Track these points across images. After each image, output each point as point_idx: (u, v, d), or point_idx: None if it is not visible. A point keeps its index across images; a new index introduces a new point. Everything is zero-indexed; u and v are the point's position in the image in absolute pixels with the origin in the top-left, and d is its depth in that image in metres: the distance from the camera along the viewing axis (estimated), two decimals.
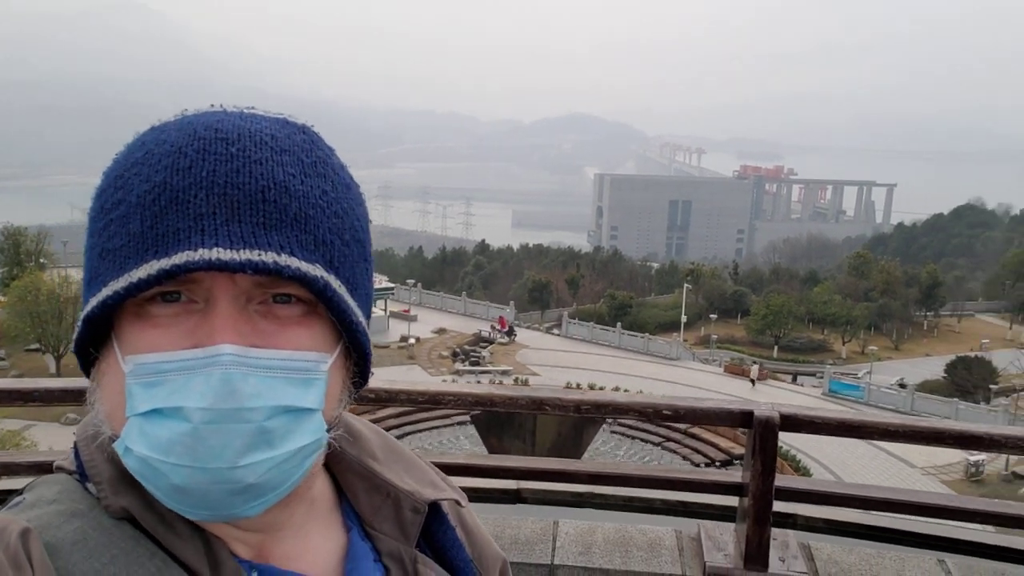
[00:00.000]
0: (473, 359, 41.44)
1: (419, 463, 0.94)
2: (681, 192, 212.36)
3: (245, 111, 0.74)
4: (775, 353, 54.19)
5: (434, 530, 0.90)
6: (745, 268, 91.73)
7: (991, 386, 42.14)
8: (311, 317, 0.72)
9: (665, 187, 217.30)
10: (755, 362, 46.37)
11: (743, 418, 3.23)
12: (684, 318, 56.37)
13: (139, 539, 0.71)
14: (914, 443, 3.28)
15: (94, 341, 0.73)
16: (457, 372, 38.96)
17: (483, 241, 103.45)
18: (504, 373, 39.20)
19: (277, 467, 0.69)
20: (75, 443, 0.78)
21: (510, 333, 46.62)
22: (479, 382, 26.42)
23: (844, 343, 57.76)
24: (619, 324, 51.14)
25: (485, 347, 44.24)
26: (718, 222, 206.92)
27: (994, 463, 30.32)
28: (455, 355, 41.70)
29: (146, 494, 0.70)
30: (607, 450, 29.72)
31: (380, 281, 51.70)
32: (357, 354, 0.78)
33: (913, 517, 4.21)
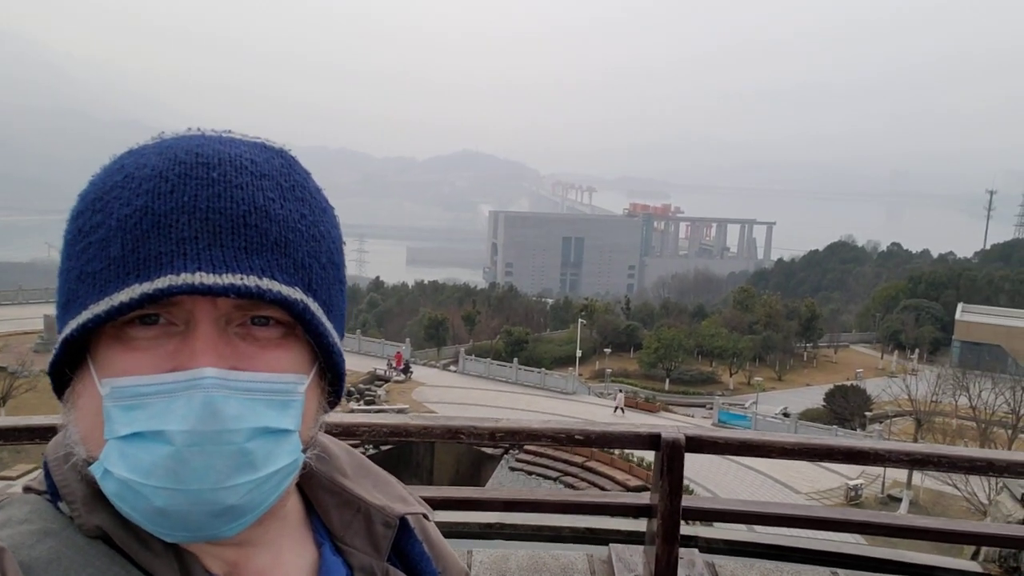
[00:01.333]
0: (369, 398, 40.82)
1: (388, 478, 0.96)
2: (574, 229, 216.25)
3: (223, 135, 0.76)
4: (667, 385, 55.60)
5: (403, 544, 0.91)
6: (637, 303, 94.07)
7: (866, 413, 44.34)
8: (289, 339, 0.73)
9: (558, 224, 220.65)
10: (620, 390, 47.48)
11: (651, 440, 3.36)
12: (579, 353, 57.22)
13: (113, 557, 0.70)
14: (808, 460, 3.50)
15: (69, 363, 0.73)
16: (352, 411, 38.24)
17: (377, 278, 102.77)
18: (400, 412, 38.74)
19: (258, 488, 0.69)
20: (45, 463, 0.78)
21: (406, 370, 46.21)
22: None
23: (731, 375, 59.74)
24: (516, 360, 51.51)
25: (381, 385, 43.72)
26: (610, 258, 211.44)
27: (871, 486, 31.98)
28: (349, 394, 40.95)
29: (118, 513, 0.70)
30: (507, 485, 29.72)
31: None
32: (332, 375, 0.80)
33: (805, 534, 4.45)
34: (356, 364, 47.94)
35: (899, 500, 30.80)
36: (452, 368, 52.79)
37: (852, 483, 30.75)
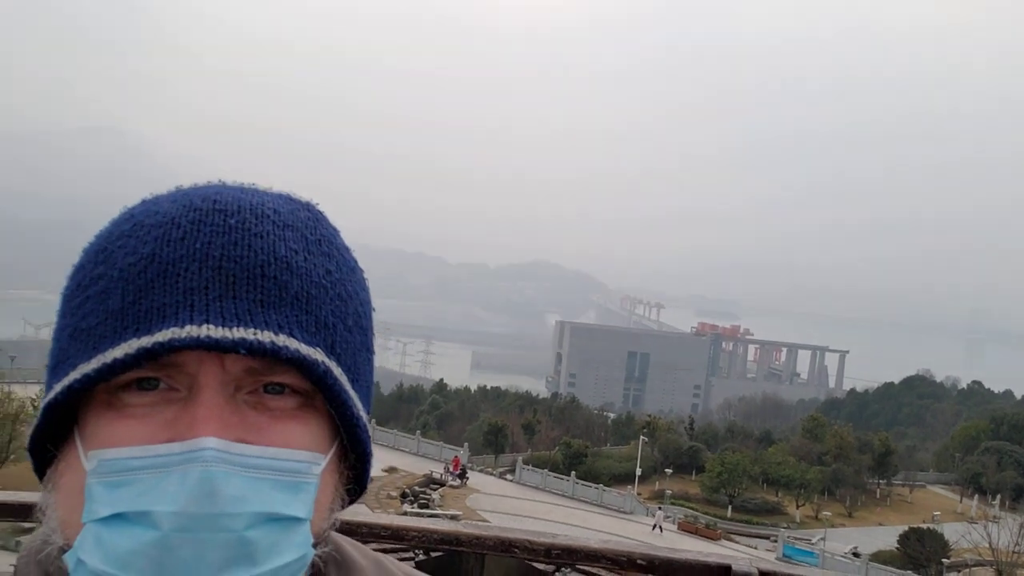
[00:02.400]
0: (423, 501, 40.22)
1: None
2: (640, 344, 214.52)
3: (246, 185, 0.69)
4: (729, 512, 53.30)
5: None
6: (701, 423, 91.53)
7: (943, 560, 41.68)
8: (306, 411, 0.65)
9: (624, 338, 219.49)
10: (660, 508, 45.80)
11: (721, 572, 3.10)
12: (639, 471, 55.66)
13: None
14: None
15: (53, 438, 0.64)
16: (405, 513, 37.71)
17: (441, 380, 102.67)
18: (453, 518, 37.98)
19: None
20: (17, 559, 0.68)
21: (462, 476, 45.52)
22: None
23: (798, 506, 56.99)
24: (573, 473, 50.31)
25: (436, 489, 43.09)
26: (675, 376, 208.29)
27: None
28: (404, 496, 40.44)
29: None
30: None
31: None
32: (356, 454, 0.70)
33: None
34: (413, 466, 47.55)
35: None
36: (508, 477, 51.86)
37: None
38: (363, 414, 0.69)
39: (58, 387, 0.61)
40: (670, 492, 55.49)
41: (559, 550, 3.23)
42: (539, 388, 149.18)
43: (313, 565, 0.66)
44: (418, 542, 3.25)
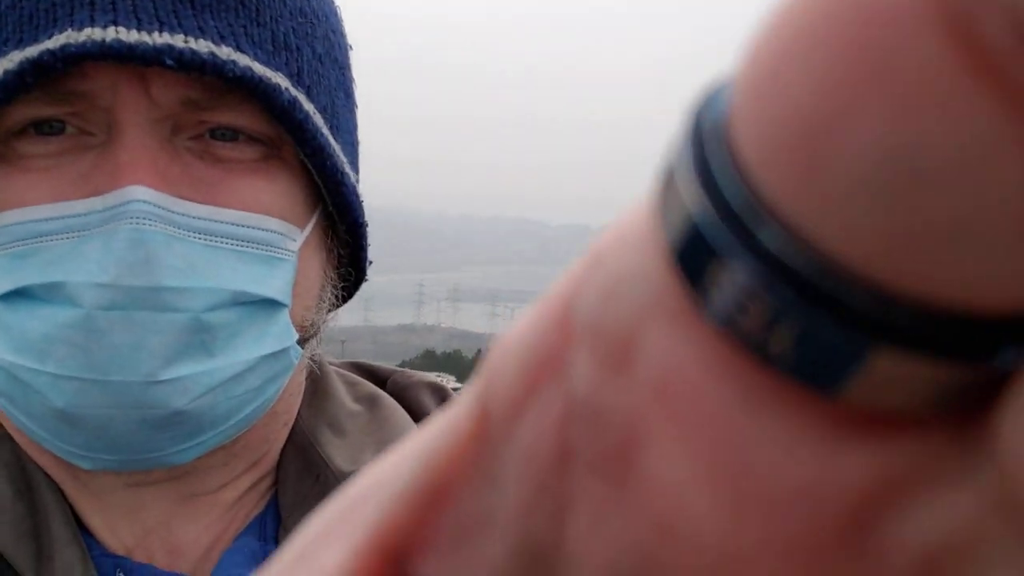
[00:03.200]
0: None
1: (410, 434, 0.40)
2: None
3: None
4: None
5: None
6: None
7: None
8: (271, 164, 0.46)
9: None
10: None
11: None
12: None
13: None
14: None
15: None
16: None
17: None
18: None
19: (222, 389, 0.44)
20: None
21: None
22: None
23: None
24: None
25: None
26: None
27: None
28: None
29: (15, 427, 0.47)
30: None
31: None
32: (345, 225, 0.51)
33: None
34: None
35: None
36: None
37: None
38: (349, 170, 0.50)
39: None
40: None
41: None
42: None
43: (310, 374, 0.54)
44: None
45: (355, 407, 0.58)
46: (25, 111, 0.42)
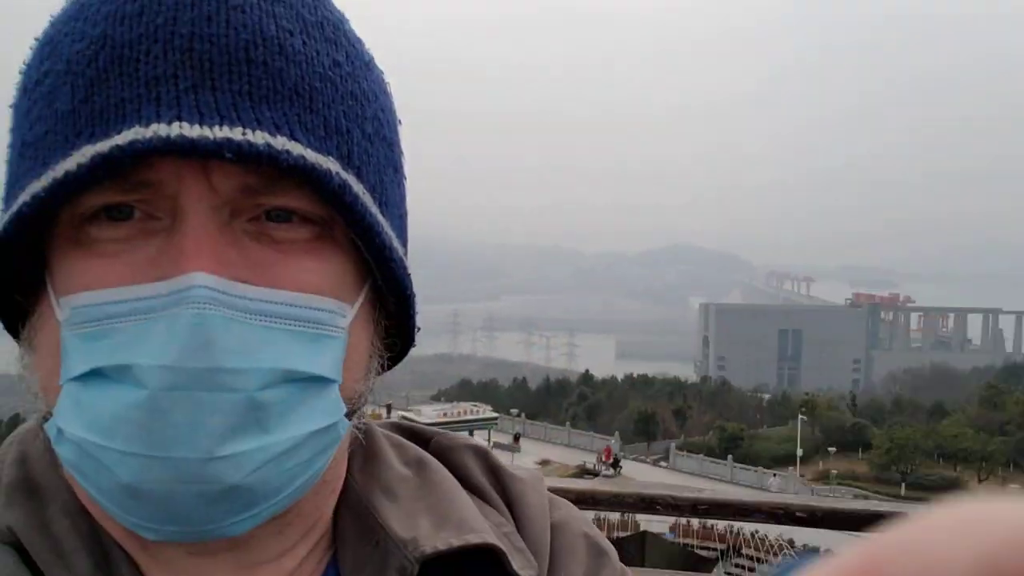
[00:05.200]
0: None
1: (459, 498, 0.63)
2: (791, 321, 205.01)
3: None
4: (902, 491, 50.45)
5: None
6: (863, 399, 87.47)
7: None
8: (324, 243, 0.50)
9: (774, 316, 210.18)
10: (775, 475, 44.20)
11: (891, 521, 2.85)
12: (800, 451, 53.53)
13: (17, 572, 0.50)
14: None
15: (21, 286, 0.50)
16: None
17: (587, 371, 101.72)
18: None
19: (275, 463, 0.47)
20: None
21: (615, 465, 45.25)
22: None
23: (980, 481, 53.33)
24: (730, 457, 49.02)
25: (590, 479, 43.07)
26: (831, 352, 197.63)
27: None
28: None
29: (43, 509, 0.52)
30: None
31: (483, 411, 51.77)
32: (394, 297, 0.55)
33: None
34: (565, 457, 47.89)
35: None
36: (663, 464, 51.11)
37: None
38: (397, 245, 0.54)
39: (6, 217, 0.47)
40: (835, 472, 53.12)
41: (706, 504, 3.06)
42: (687, 373, 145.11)
43: (354, 443, 0.57)
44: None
45: (404, 471, 0.62)
46: (97, 199, 0.45)
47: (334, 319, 0.50)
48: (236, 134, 0.44)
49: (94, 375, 0.45)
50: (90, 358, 0.45)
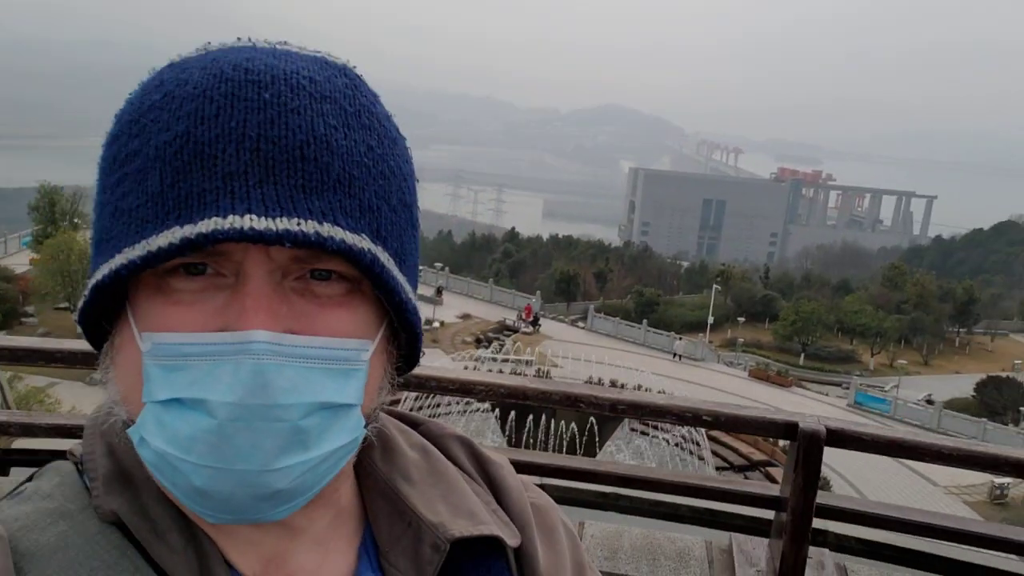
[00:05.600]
0: (497, 346, 41.42)
1: (462, 489, 0.79)
2: (716, 191, 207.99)
3: (278, 47, 0.65)
4: (801, 360, 53.22)
5: (468, 573, 0.74)
6: (776, 272, 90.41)
7: (1021, 408, 41.24)
8: (354, 296, 0.64)
9: (700, 185, 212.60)
10: (679, 338, 46.71)
11: (787, 430, 3.09)
12: (711, 319, 55.82)
13: (125, 549, 0.63)
14: (968, 468, 3.13)
15: (105, 312, 0.64)
16: (479, 359, 39.05)
17: (513, 229, 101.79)
18: (527, 363, 39.09)
19: (311, 470, 0.62)
20: (85, 429, 0.72)
21: (535, 323, 46.35)
22: (500, 371, 26.35)
23: (873, 355, 56.55)
24: (645, 321, 50.74)
25: (509, 335, 44.04)
26: (752, 224, 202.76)
27: (1020, 486, 29.73)
28: (479, 341, 41.58)
29: (139, 496, 0.65)
30: (621, 446, 29.55)
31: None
32: (407, 334, 0.70)
33: (949, 544, 4.04)
34: (487, 313, 48.78)
35: None
36: (580, 324, 52.57)
37: (998, 480, 28.63)
38: (411, 296, 0.68)
39: (106, 269, 0.60)
40: (741, 340, 55.74)
41: (624, 405, 3.24)
42: (611, 237, 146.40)
43: (366, 441, 0.69)
44: (485, 395, 3.31)
45: (414, 455, 0.79)
46: (178, 260, 0.58)
47: (359, 355, 0.63)
48: (293, 225, 0.56)
49: (174, 401, 0.58)
50: (171, 388, 0.58)
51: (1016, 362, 55.26)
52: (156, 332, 0.60)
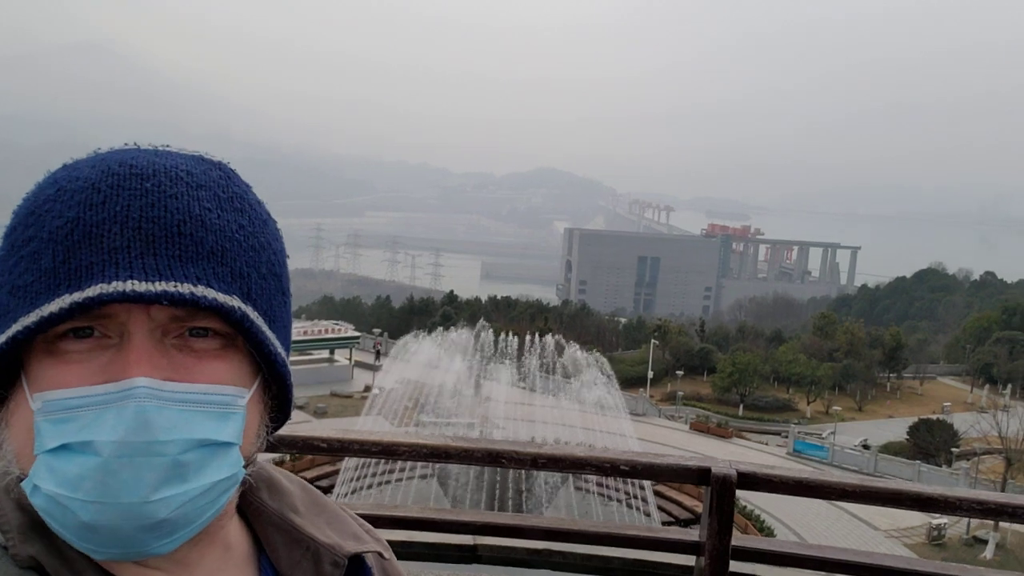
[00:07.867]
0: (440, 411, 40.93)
1: (342, 516, 0.91)
2: (650, 248, 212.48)
3: (160, 148, 0.74)
4: (740, 411, 54.13)
5: None
6: (712, 325, 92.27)
7: (952, 449, 42.37)
8: (229, 350, 0.71)
9: (634, 243, 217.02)
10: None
11: (700, 475, 3.20)
12: (651, 374, 56.41)
13: None
14: (872, 504, 3.27)
15: (1, 381, 0.70)
16: (421, 423, 38.53)
17: (451, 292, 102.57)
18: (469, 426, 38.84)
19: (191, 502, 0.67)
20: None
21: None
22: (443, 433, 26.02)
23: (809, 403, 57.81)
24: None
25: (453, 398, 43.77)
26: (686, 279, 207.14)
27: (956, 527, 30.38)
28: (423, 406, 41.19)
29: (55, 541, 0.68)
30: (569, 504, 29.38)
31: (346, 330, 51.27)
32: (277, 386, 0.78)
33: None
34: (429, 376, 48.20)
35: (985, 542, 29.18)
36: (522, 385, 52.64)
37: (935, 522, 29.25)
38: (281, 351, 0.76)
39: (2, 338, 0.67)
40: (681, 393, 56.32)
41: (545, 459, 3.32)
42: (550, 296, 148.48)
43: (245, 483, 0.75)
44: (409, 456, 3.36)
45: (295, 490, 0.89)
46: (68, 324, 0.65)
47: (235, 401, 0.70)
48: (170, 287, 0.64)
49: (63, 448, 0.63)
50: (60, 436, 0.64)
51: (945, 404, 56.88)
52: (46, 391, 0.65)
